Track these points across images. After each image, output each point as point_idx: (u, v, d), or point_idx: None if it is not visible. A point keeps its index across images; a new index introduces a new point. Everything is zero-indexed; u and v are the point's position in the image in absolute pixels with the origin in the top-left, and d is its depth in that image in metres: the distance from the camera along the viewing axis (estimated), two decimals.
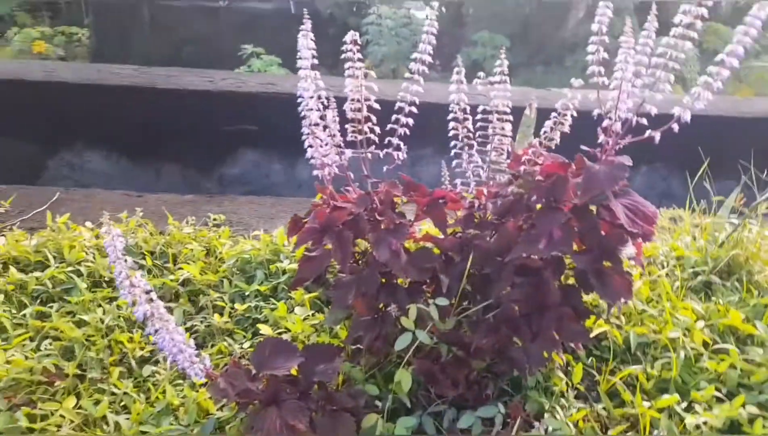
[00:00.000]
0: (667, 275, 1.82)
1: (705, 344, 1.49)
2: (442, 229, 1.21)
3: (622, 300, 1.10)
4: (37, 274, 1.60)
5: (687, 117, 1.18)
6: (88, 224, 1.88)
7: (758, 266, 1.81)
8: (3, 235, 1.81)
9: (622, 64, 1.18)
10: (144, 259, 1.73)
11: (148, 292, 0.95)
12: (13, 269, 1.62)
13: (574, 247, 1.18)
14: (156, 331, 0.93)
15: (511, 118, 1.39)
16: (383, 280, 1.18)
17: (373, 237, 1.12)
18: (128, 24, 8.70)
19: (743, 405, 1.29)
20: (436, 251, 1.25)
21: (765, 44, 8.07)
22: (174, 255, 1.76)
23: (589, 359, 1.47)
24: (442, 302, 1.12)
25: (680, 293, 1.70)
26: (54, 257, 1.69)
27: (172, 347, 0.94)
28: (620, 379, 1.40)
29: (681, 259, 1.88)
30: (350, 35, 1.28)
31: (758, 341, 1.53)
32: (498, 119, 1.36)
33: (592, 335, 1.50)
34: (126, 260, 0.92)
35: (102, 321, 1.45)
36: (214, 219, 2.06)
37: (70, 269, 1.63)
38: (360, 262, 1.27)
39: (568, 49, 8.78)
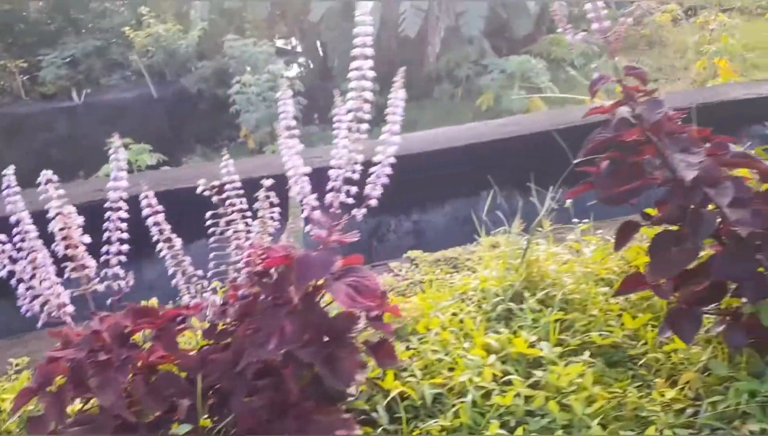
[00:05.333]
0: (474, 309, 1.89)
1: (497, 379, 1.54)
2: (174, 352, 1.18)
3: (357, 378, 1.11)
4: None
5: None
6: None
7: (549, 283, 1.91)
8: None
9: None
10: None
11: None
12: None
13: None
14: None
15: (243, 198, 1.35)
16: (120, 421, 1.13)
17: (95, 382, 1.07)
18: None
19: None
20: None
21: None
22: None
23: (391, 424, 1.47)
24: (183, 429, 1.09)
25: (481, 327, 1.76)
26: None
27: None
28: None
29: (485, 291, 1.95)
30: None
31: (547, 362, 1.60)
32: (230, 204, 1.32)
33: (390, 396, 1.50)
34: None
35: None
36: (17, 364, 1.92)
37: None
38: None
39: (434, 82, 9.26)
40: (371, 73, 1.20)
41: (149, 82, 8.86)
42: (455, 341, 1.69)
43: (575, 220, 2.17)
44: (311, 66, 11.34)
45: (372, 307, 1.13)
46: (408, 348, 1.66)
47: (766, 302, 1.41)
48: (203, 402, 1.13)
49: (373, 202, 1.19)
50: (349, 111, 1.19)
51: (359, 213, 1.17)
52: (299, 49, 11.94)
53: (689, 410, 1.44)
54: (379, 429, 1.42)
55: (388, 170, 1.19)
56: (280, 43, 11.72)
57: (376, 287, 1.16)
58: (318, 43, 10.94)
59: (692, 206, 1.29)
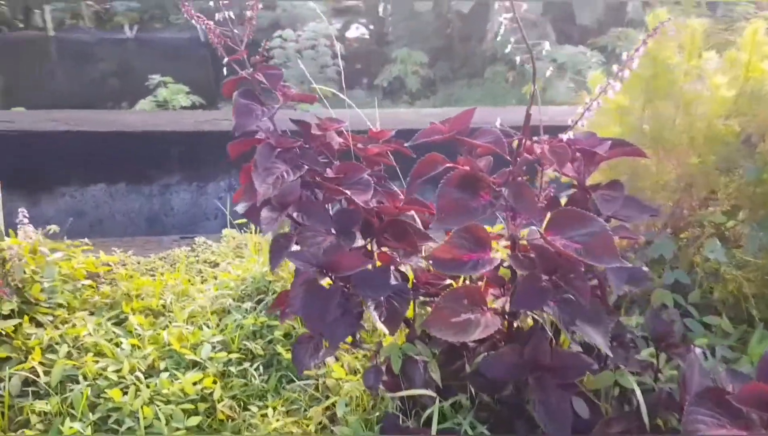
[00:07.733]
0: (207, 298, 1.80)
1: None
2: None
3: None
4: None
5: None
6: None
7: (282, 284, 1.79)
8: None
9: None
10: None
11: None
12: None
13: None
14: None
15: None
16: None
17: None
18: (35, 63, 8.88)
19: None
20: None
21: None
22: None
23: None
24: None
25: (183, 318, 1.68)
26: None
27: None
28: None
29: (223, 281, 1.86)
30: None
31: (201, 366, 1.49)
32: None
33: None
34: None
35: None
36: None
37: None
38: None
39: (488, 61, 8.86)
40: None
41: (197, 25, 9.10)
42: (141, 327, 1.63)
43: None
44: (372, 29, 11.17)
45: None
46: (92, 325, 1.62)
47: (397, 347, 1.25)
48: None
49: None
50: None
51: None
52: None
53: None
54: None
55: None
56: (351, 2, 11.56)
57: None
58: (380, 8, 10.74)
59: None
